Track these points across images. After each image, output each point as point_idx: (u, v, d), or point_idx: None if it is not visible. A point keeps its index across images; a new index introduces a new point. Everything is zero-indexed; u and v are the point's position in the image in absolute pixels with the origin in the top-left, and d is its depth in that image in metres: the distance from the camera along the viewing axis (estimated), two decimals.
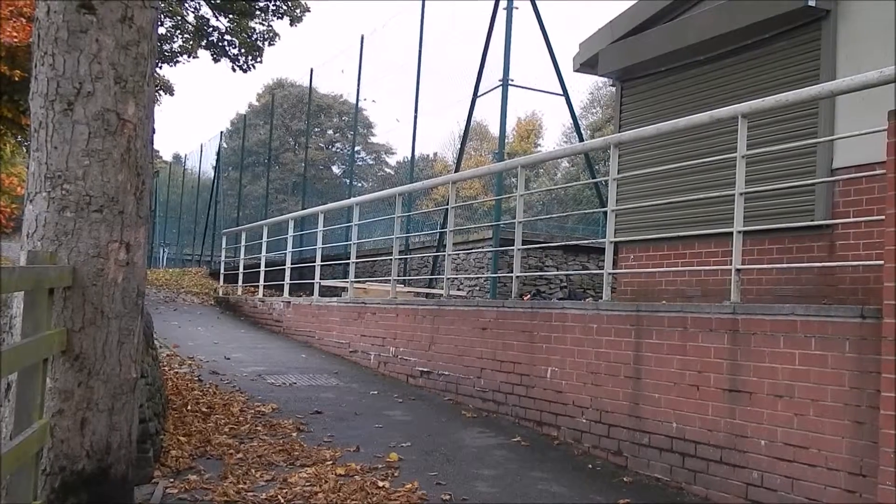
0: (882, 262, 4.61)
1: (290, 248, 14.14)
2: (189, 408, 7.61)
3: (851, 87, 5.51)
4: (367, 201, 13.37)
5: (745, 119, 6.06)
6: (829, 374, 4.99)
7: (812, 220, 7.54)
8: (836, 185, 7.50)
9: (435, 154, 51.44)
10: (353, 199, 12.81)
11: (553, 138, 51.22)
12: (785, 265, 7.35)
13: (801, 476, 5.08)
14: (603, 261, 10.74)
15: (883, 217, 4.70)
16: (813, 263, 7.19)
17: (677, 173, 8.55)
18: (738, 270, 5.90)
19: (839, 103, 7.60)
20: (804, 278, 7.69)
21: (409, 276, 15.07)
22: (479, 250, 12.97)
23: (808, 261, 7.57)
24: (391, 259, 11.05)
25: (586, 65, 10.63)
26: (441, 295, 10.70)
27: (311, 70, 22.15)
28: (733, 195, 6.02)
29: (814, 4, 7.81)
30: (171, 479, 5.67)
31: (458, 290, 13.12)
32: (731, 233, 6.00)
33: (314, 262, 13.04)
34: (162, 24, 21.38)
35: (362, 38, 19.21)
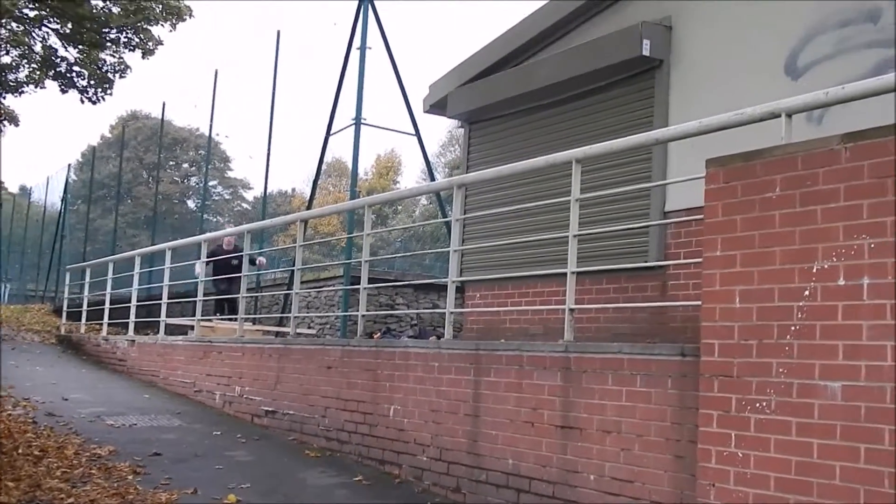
0: (700, 302, 4.86)
1: (135, 286, 13.80)
2: (20, 451, 7.29)
3: (674, 136, 5.80)
4: (216, 238, 13.20)
5: (579, 164, 6.28)
6: (653, 411, 5.19)
7: (645, 261, 7.85)
8: (669, 227, 7.83)
9: (293, 189, 51.16)
10: (201, 237, 12.61)
11: (412, 175, 51.67)
12: (613, 305, 7.61)
13: None
14: (456, 298, 10.94)
15: (702, 259, 4.95)
16: (637, 304, 7.48)
17: (521, 214, 8.77)
18: (571, 310, 6.09)
19: (671, 148, 7.96)
20: (639, 317, 7.98)
21: (262, 313, 14.89)
22: (328, 289, 12.93)
23: (643, 300, 7.86)
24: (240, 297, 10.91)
25: (436, 106, 10.83)
26: (289, 333, 10.62)
27: (164, 104, 21.84)
28: (568, 237, 6.22)
29: (648, 54, 8.18)
30: None
31: (310, 328, 13.04)
32: (566, 273, 6.19)
33: (162, 299, 12.75)
34: (7, 53, 20.65)
35: (216, 72, 19.04)
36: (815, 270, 4.34)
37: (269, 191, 21.12)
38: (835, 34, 7.03)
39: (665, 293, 7.78)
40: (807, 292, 4.36)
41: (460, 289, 10.16)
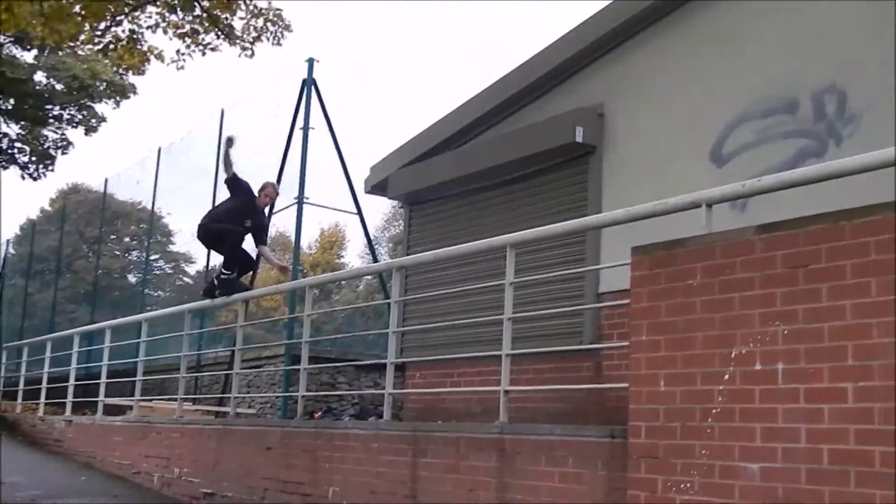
0: (627, 384, 5.04)
1: (74, 365, 13.66)
2: None
3: (603, 223, 6.04)
4: (157, 317, 13.16)
5: (514, 249, 6.48)
6: (584, 492, 5.32)
7: (580, 342, 8.04)
8: (603, 309, 8.04)
9: None
10: (142, 315, 12.58)
11: (357, 249, 51.81)
12: (547, 386, 7.75)
13: None
14: (397, 378, 11.01)
15: (628, 343, 5.14)
16: (567, 386, 7.63)
17: (460, 294, 8.93)
18: (506, 392, 6.23)
19: (604, 231, 8.21)
20: (576, 397, 8.13)
21: (202, 393, 14.78)
22: (268, 369, 12.93)
23: (579, 380, 8.02)
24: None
25: (377, 187, 11.04)
26: (229, 413, 10.59)
27: (106, 180, 21.78)
28: (502, 319, 6.39)
29: (581, 140, 8.48)
30: None
31: (250, 407, 13.00)
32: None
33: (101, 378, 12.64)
34: None
35: (160, 150, 19.13)
36: (733, 355, 4.54)
37: (212, 265, 21.10)
38: (757, 124, 7.39)
39: (600, 373, 7.96)
40: (726, 376, 4.55)
41: (401, 367, 10.25)
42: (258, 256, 11.48)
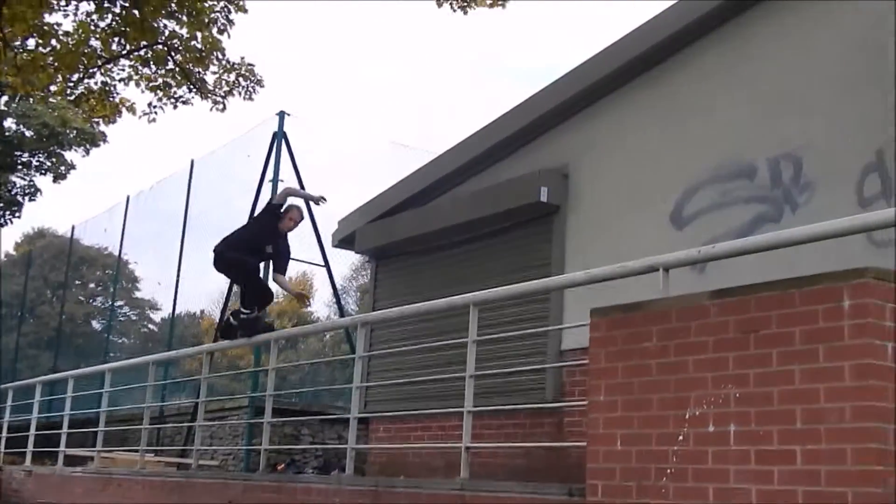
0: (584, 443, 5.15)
1: (35, 414, 13.55)
2: None
3: (564, 285, 6.20)
4: (121, 367, 13.12)
5: (476, 307, 6.60)
6: None
7: (543, 398, 8.15)
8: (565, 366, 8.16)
9: (202, 311, 50.60)
10: (105, 366, 12.55)
11: (325, 298, 51.72)
12: (508, 444, 7.83)
13: None
14: (361, 431, 11.04)
15: (586, 402, 5.26)
16: (527, 444, 7.72)
17: (425, 349, 9.02)
18: (467, 448, 6.31)
19: (569, 290, 8.36)
20: (538, 453, 8.22)
21: (165, 443, 14.69)
22: (231, 421, 12.90)
23: (541, 436, 8.11)
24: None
25: (345, 241, 11.18)
26: (191, 465, 10.56)
27: (73, 227, 21.76)
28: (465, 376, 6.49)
29: (545, 200, 8.66)
30: None
31: (213, 459, 12.94)
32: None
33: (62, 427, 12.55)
34: None
35: (128, 197, 19.19)
36: (687, 417, 4.66)
37: (178, 312, 21.03)
38: (716, 188, 7.60)
39: (561, 430, 8.06)
40: (681, 437, 4.67)
41: (366, 420, 10.30)
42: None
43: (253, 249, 9.36)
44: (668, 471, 4.68)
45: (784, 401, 4.32)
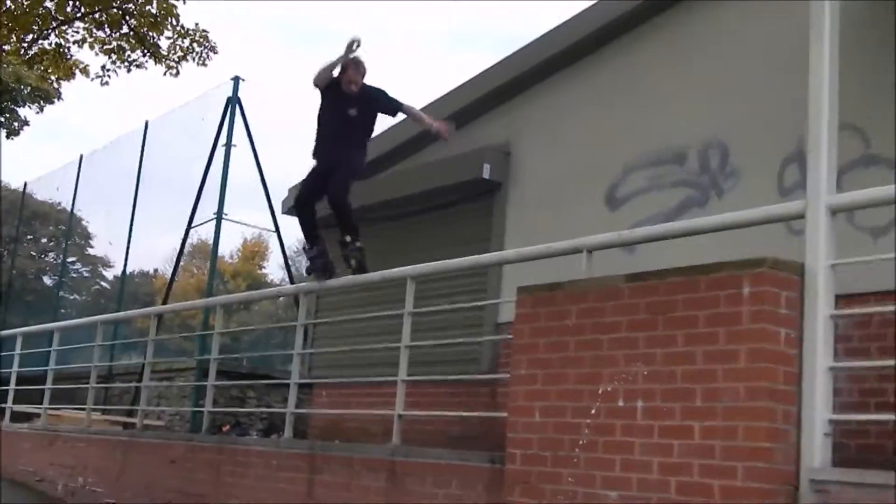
0: (506, 414, 5.46)
1: None
2: None
3: (497, 262, 6.50)
4: (71, 326, 13.26)
5: (414, 280, 6.88)
6: None
7: (478, 369, 8.47)
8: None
9: (156, 270, 50.37)
10: (53, 325, 12.68)
11: (279, 260, 51.72)
12: (437, 412, 8.12)
13: None
14: (305, 395, 11.30)
15: (508, 375, 5.57)
16: (451, 413, 7.99)
17: (366, 319, 9.28)
18: (399, 416, 6.61)
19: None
20: (473, 422, 8.52)
21: (114, 403, 14.87)
22: (176, 384, 13.11)
23: (475, 405, 8.42)
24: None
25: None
26: (136, 425, 10.78)
27: (25, 183, 21.69)
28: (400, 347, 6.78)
29: (487, 177, 8.94)
30: None
31: (159, 419, 13.16)
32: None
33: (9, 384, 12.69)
34: None
35: (81, 156, 19.18)
36: (600, 392, 4.98)
37: (131, 270, 21.08)
38: (649, 171, 7.91)
39: (495, 399, 8.37)
40: (593, 411, 4.99)
41: (309, 385, 10.56)
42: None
43: (325, 146, 7.89)
44: (581, 442, 5.00)
45: (686, 379, 4.64)
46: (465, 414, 7.54)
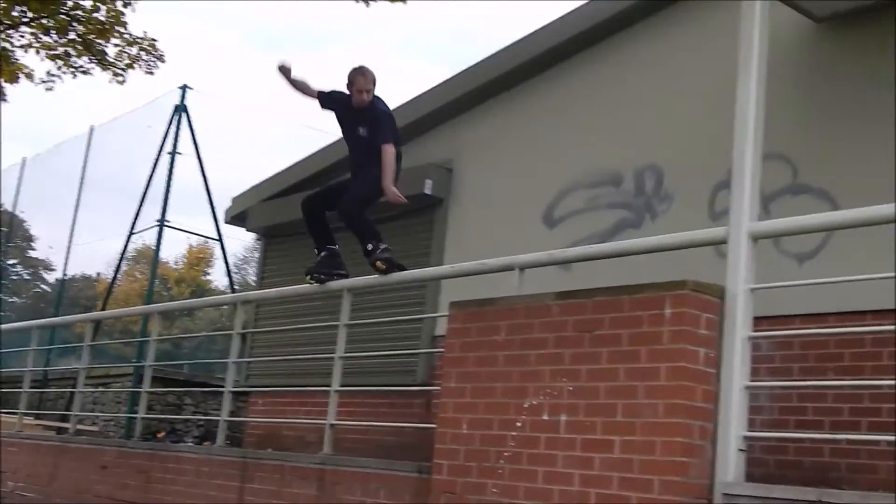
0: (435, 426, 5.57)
1: None
2: None
3: (433, 277, 6.63)
4: (6, 331, 13.12)
5: (350, 293, 6.97)
6: None
7: (413, 381, 8.57)
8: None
9: (98, 274, 49.78)
10: None
11: (225, 267, 51.32)
12: (367, 423, 8.21)
13: None
14: (243, 403, 11.31)
15: (440, 387, 5.68)
16: (380, 423, 8.11)
17: (301, 329, 9.33)
18: (332, 425, 6.69)
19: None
20: (408, 432, 8.61)
21: (49, 407, 14.72)
22: (111, 390, 13.02)
23: (410, 416, 8.51)
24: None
25: (237, 218, 11.40)
26: (69, 430, 10.70)
27: None
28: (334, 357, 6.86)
29: (429, 192, 9.06)
30: None
31: (94, 424, 13.05)
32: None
33: None
34: None
35: (24, 159, 19.03)
36: (526, 406, 5.11)
37: (73, 274, 20.85)
38: (585, 192, 8.08)
39: (429, 411, 8.47)
40: (519, 424, 5.11)
41: (246, 393, 10.58)
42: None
43: (353, 157, 7.46)
44: (506, 454, 5.12)
45: (609, 395, 4.79)
46: (393, 424, 7.65)
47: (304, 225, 7.70)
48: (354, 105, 7.15)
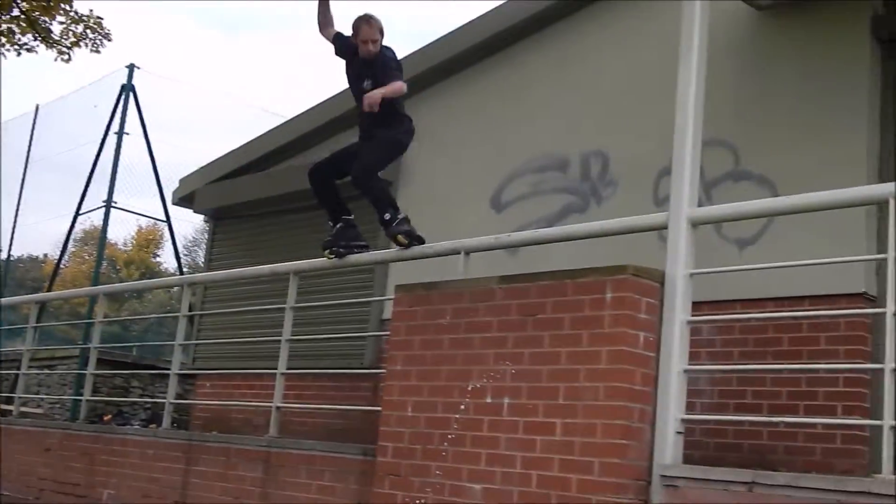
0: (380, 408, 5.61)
1: None
2: None
3: (379, 260, 6.63)
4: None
5: (297, 276, 6.97)
6: None
7: (361, 364, 8.60)
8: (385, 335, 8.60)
9: (45, 255, 49.04)
10: None
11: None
12: (314, 405, 8.22)
13: None
14: (190, 385, 11.24)
15: (385, 371, 5.71)
16: (326, 406, 8.13)
17: (250, 312, 9.32)
18: (278, 408, 6.70)
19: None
20: (355, 415, 8.64)
21: None
22: (58, 371, 12.89)
23: (357, 399, 8.55)
24: None
25: (185, 199, 11.31)
26: (12, 412, 10.59)
27: None
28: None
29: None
30: None
31: (39, 407, 12.91)
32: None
33: None
34: None
35: None
36: (470, 389, 5.16)
37: (19, 255, 20.54)
38: (532, 177, 8.13)
39: (376, 393, 8.50)
40: (462, 406, 5.16)
41: (194, 375, 10.54)
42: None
43: (361, 117, 6.74)
44: (450, 436, 5.17)
45: (551, 378, 4.85)
46: (338, 407, 7.68)
47: (314, 196, 7.12)
48: (361, 56, 6.58)
